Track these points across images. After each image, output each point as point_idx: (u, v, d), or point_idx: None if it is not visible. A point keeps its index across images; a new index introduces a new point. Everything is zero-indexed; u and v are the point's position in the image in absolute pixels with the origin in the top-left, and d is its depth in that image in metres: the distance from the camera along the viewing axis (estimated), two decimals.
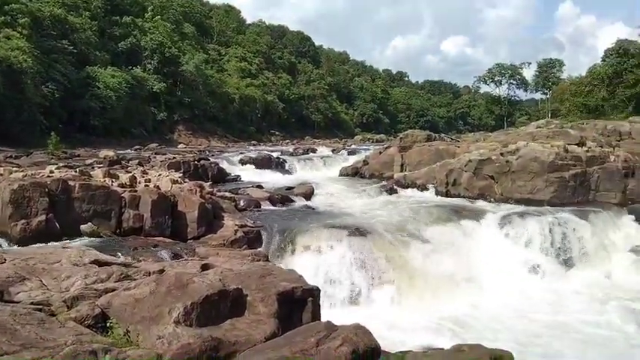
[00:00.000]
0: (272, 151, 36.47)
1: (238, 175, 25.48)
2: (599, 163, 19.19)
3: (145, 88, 57.76)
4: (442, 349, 5.67)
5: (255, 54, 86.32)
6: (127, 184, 14.08)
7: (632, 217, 17.88)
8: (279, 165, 30.38)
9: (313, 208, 17.81)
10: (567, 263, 15.45)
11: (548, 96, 69.57)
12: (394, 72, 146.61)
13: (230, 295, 5.81)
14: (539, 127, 24.15)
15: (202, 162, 25.03)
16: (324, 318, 5.67)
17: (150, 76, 60.36)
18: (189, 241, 12.72)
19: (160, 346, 5.14)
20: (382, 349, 7.98)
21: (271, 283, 6.42)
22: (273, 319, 5.73)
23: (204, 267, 7.81)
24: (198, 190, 13.99)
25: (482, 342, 6.37)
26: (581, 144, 20.40)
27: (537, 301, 13.07)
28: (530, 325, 11.58)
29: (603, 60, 43.67)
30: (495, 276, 14.21)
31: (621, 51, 39.35)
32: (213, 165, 24.86)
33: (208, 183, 17.78)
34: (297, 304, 6.32)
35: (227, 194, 17.00)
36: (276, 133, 78.00)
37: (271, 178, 25.77)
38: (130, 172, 15.92)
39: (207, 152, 36.33)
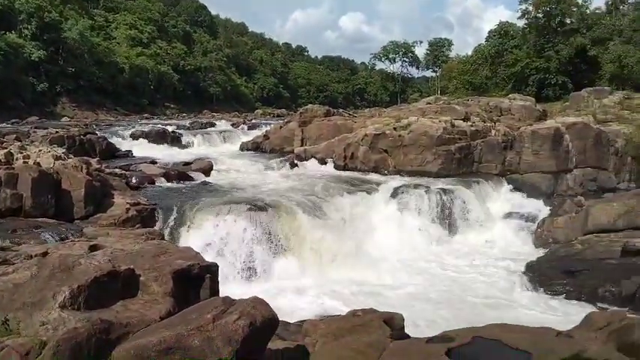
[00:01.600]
0: (167, 125, 34.93)
1: (130, 151, 24.14)
2: (482, 137, 20.74)
3: (21, 56, 52.15)
4: (339, 315, 5.88)
5: (146, 22, 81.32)
6: (3, 160, 12.78)
7: (511, 186, 19.66)
8: (174, 140, 29.21)
9: (212, 184, 17.42)
10: (453, 229, 16.66)
11: (437, 74, 73.49)
12: (294, 46, 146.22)
13: (121, 275, 5.52)
14: (429, 104, 25.50)
15: (89, 136, 23.33)
16: (225, 294, 5.60)
17: (27, 42, 54.56)
18: (76, 221, 11.91)
19: (44, 332, 4.78)
20: (282, 319, 8.14)
21: (166, 261, 6.19)
22: (168, 298, 5.54)
23: (93, 248, 7.34)
24: (84, 166, 13.07)
25: (378, 306, 6.72)
26: (466, 119, 21.86)
27: (428, 265, 13.99)
28: (422, 287, 12.38)
29: (487, 40, 46.91)
30: (389, 244, 14.98)
31: (502, 32, 42.48)
32: (101, 140, 23.31)
33: (96, 159, 16.68)
34: (195, 281, 6.17)
35: (117, 171, 16.06)
36: (172, 106, 74.62)
37: (166, 154, 24.75)
38: (6, 148, 14.42)
39: (95, 126, 33.92)
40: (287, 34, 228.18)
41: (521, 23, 38.95)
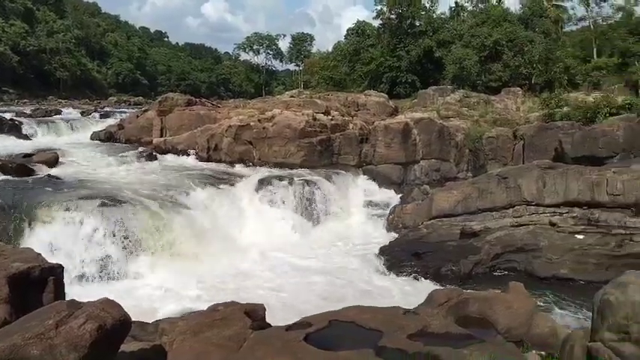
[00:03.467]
0: (3, 112, 30.97)
1: None
2: (341, 131, 21.70)
3: None
4: (199, 311, 5.77)
5: None
6: None
7: (367, 177, 20.88)
8: (13, 128, 25.99)
9: (59, 178, 15.85)
10: (315, 219, 17.24)
11: (300, 68, 75.01)
12: (152, 31, 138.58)
13: None
14: (292, 97, 26.01)
15: None
16: (75, 297, 5.15)
17: None
18: None
19: None
20: (139, 320, 7.74)
21: (1, 265, 5.52)
22: (4, 305, 4.96)
23: None
24: None
25: (240, 299, 6.70)
26: (326, 113, 22.67)
27: (290, 255, 14.28)
28: (284, 276, 12.64)
29: (346, 38, 48.93)
30: (253, 236, 15.03)
31: (360, 31, 44.63)
32: None
33: None
34: (36, 285, 5.59)
35: None
36: (10, 91, 66.06)
37: (3, 145, 21.97)
38: None
39: None
40: (145, 17, 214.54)
41: (376, 23, 41.35)
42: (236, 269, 12.87)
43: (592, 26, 38.25)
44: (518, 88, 26.77)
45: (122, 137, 25.03)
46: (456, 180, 19.92)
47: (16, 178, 15.20)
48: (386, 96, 27.75)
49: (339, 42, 51.67)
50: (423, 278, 12.84)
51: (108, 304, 3.99)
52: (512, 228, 14.46)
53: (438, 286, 11.22)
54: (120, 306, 4.07)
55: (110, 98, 68.51)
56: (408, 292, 11.81)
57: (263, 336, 4.80)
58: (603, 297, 7.54)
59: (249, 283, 11.95)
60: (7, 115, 28.70)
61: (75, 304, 4.00)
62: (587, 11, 39.54)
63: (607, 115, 19.13)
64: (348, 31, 47.93)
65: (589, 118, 19.64)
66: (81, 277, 11.17)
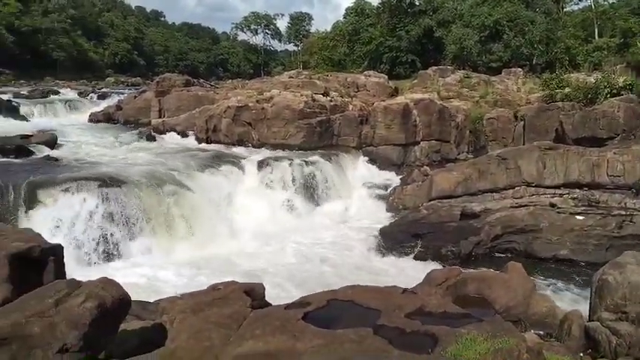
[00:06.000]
0: (0, 93, 30.76)
1: None
2: (340, 112, 21.57)
3: None
4: (199, 290, 5.79)
5: None
6: None
7: (366, 158, 20.82)
8: (10, 110, 25.87)
9: (57, 159, 15.84)
10: (315, 200, 17.25)
11: (299, 48, 74.32)
12: (148, 10, 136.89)
13: None
14: (291, 77, 25.75)
15: None
16: (75, 277, 5.17)
17: None
18: None
19: None
20: (140, 299, 7.79)
21: (1, 245, 5.53)
22: (4, 284, 4.97)
23: None
24: None
25: (240, 278, 6.73)
26: (325, 94, 22.52)
27: (291, 235, 14.32)
28: (285, 256, 12.72)
29: (345, 18, 48.36)
30: (254, 217, 15.05)
31: (359, 10, 44.08)
32: None
33: None
34: (36, 265, 5.61)
35: None
36: (6, 72, 65.46)
37: (1, 126, 21.87)
38: None
39: None
40: None
41: (375, 2, 40.82)
42: (235, 250, 12.92)
43: (593, 6, 37.71)
44: (519, 69, 26.54)
45: (120, 118, 24.94)
46: (457, 161, 19.90)
47: (15, 160, 15.17)
48: (386, 77, 27.51)
49: (338, 21, 51.13)
50: (422, 259, 12.91)
51: (107, 283, 4.01)
52: (513, 209, 14.50)
53: (438, 267, 11.29)
54: (119, 285, 4.08)
55: (108, 79, 67.96)
56: (408, 272, 11.88)
57: (262, 314, 4.82)
58: (602, 277, 7.62)
59: (248, 264, 12.01)
60: (4, 97, 28.54)
61: (75, 283, 4.02)
62: None
63: (608, 95, 18.98)
64: (347, 10, 47.43)
65: (590, 99, 19.50)
66: (81, 256, 11.20)
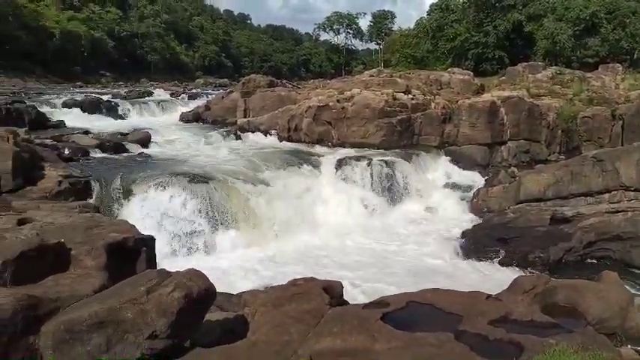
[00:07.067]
0: (102, 94, 33.28)
1: (62, 121, 22.83)
2: (422, 110, 21.13)
3: None
4: (279, 285, 5.91)
5: None
6: None
7: (448, 158, 20.25)
8: (110, 109, 27.86)
9: (151, 156, 16.88)
10: (394, 200, 17.05)
11: (381, 46, 73.81)
12: (236, 14, 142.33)
13: (50, 249, 5.28)
14: (372, 76, 25.63)
15: (16, 105, 21.86)
16: (164, 267, 5.49)
17: None
18: (3, 195, 11.20)
19: None
20: (224, 291, 8.10)
21: (99, 235, 5.98)
22: (102, 271, 5.37)
23: (22, 222, 6.97)
24: (10, 137, 12.24)
25: (319, 275, 6.80)
26: (407, 92, 22.16)
27: (369, 234, 14.27)
28: (363, 255, 12.67)
29: (429, 14, 47.41)
30: (332, 215, 15.16)
31: (444, 6, 43.03)
32: (30, 109, 21.88)
33: (24, 129, 15.69)
34: (130, 255, 6.02)
35: (48, 142, 15.25)
36: (107, 74, 70.92)
37: (101, 124, 23.61)
38: None
39: (23, 94, 31.78)
40: (228, 0, 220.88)
41: None
42: (314, 246, 13.08)
43: None
44: (618, 64, 24.65)
45: (208, 118, 26.06)
46: (547, 162, 18.90)
47: (112, 156, 16.33)
48: (471, 73, 26.60)
49: (421, 18, 50.09)
50: (507, 264, 12.35)
51: (195, 274, 4.19)
52: (609, 214, 13.48)
53: (523, 273, 10.76)
54: (206, 276, 4.26)
55: (197, 80, 71.40)
56: (491, 278, 11.41)
57: (340, 312, 4.83)
58: None
59: (326, 261, 12.10)
60: (105, 97, 30.80)
61: (164, 273, 4.24)
62: None
63: None
64: (431, 6, 46.43)
65: None
66: (169, 248, 11.83)
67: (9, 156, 11.49)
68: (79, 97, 29.31)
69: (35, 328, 3.93)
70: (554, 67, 25.07)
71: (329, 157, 18.16)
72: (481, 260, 12.58)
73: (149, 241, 6.25)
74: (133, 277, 4.53)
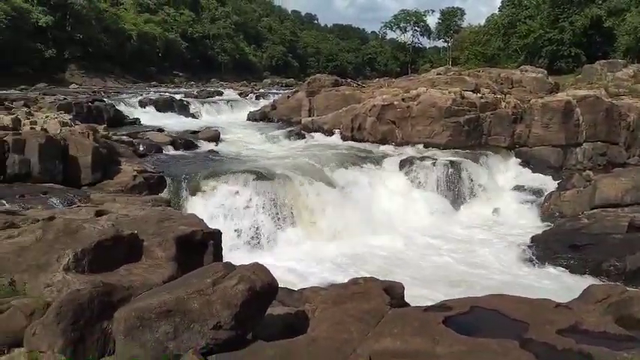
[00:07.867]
0: (175, 94, 34.80)
1: (137, 119, 24.15)
2: (492, 109, 20.46)
3: (28, 22, 51.73)
4: (340, 283, 5.94)
5: None
6: (10, 126, 12.84)
7: (519, 159, 19.48)
8: (182, 108, 29.14)
9: (219, 153, 17.47)
10: (460, 201, 16.63)
11: (449, 44, 72.21)
12: (303, 14, 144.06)
13: (125, 240, 5.60)
14: (439, 74, 25.12)
15: (97, 104, 23.36)
16: (229, 260, 5.67)
17: (33, 7, 54.03)
18: (83, 187, 12.02)
19: (48, 294, 4.90)
20: (286, 287, 8.24)
21: (169, 227, 6.27)
22: (171, 262, 5.63)
23: (99, 213, 7.45)
24: (91, 133, 13.10)
25: (380, 275, 6.78)
26: (475, 91, 21.54)
27: (433, 235, 14.02)
28: (426, 257, 12.47)
29: (500, 10, 45.90)
30: (396, 215, 15.02)
31: (516, 2, 41.47)
32: (109, 107, 23.31)
33: (103, 126, 16.69)
34: (198, 247, 6.26)
35: (125, 138, 16.15)
36: (180, 74, 74.09)
37: (174, 122, 24.74)
38: (14, 114, 14.46)
39: (103, 93, 33.83)
40: (296, 1, 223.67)
41: None
42: (375, 247, 13.00)
43: None
44: None
45: (274, 117, 26.58)
46: (626, 166, 17.76)
47: (184, 152, 17.07)
48: (544, 71, 25.46)
49: (492, 15, 48.69)
50: (579, 272, 11.72)
51: (258, 268, 4.30)
52: None
53: (596, 282, 10.17)
54: (269, 271, 4.36)
55: (265, 80, 72.98)
56: (561, 286, 10.86)
57: (401, 314, 4.78)
58: None
59: (387, 262, 12.00)
60: (178, 96, 32.19)
61: (230, 266, 4.38)
62: None
63: None
64: (502, 2, 45.01)
65: None
66: (234, 242, 12.19)
67: (89, 151, 12.29)
68: (153, 97, 30.87)
69: (109, 314, 4.18)
70: (636, 64, 23.47)
71: (393, 156, 18.01)
72: (551, 267, 12.01)
73: (216, 235, 6.47)
74: (200, 269, 4.71)
